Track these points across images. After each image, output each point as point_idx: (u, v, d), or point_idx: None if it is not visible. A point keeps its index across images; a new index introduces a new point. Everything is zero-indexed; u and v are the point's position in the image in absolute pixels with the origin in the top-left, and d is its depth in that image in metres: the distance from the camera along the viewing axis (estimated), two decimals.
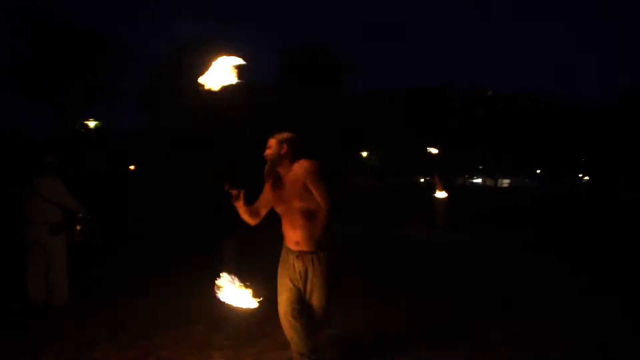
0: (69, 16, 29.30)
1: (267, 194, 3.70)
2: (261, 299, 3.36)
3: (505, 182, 68.41)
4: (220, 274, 3.34)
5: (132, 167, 43.10)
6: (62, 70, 29.72)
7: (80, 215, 5.83)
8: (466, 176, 61.78)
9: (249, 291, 3.36)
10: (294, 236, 3.58)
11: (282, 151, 3.59)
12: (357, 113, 43.70)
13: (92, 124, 32.30)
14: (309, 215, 3.51)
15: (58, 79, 29.82)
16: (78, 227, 5.84)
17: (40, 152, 5.98)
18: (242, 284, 3.36)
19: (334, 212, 3.54)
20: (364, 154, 49.37)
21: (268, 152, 3.61)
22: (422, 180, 57.72)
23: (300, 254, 3.57)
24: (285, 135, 3.63)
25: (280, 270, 3.69)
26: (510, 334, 4.91)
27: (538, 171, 64.67)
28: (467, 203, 22.33)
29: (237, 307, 3.39)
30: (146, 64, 42.20)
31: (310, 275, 3.57)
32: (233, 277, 3.36)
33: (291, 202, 3.54)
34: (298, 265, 3.58)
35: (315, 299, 3.59)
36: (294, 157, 3.61)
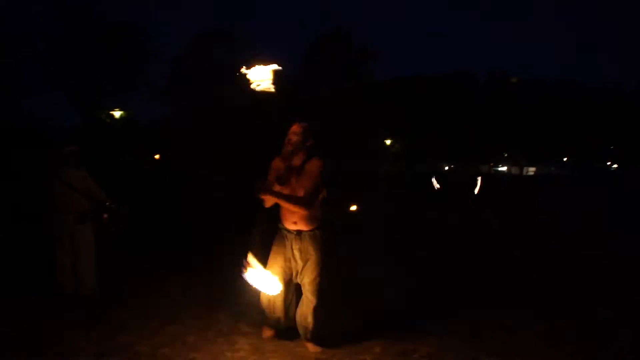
0: (92, 7, 29.55)
1: (272, 180, 4.00)
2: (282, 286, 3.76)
3: (531, 170, 67.47)
4: (248, 257, 3.63)
5: (157, 157, 43.50)
6: (85, 61, 30.11)
7: (107, 204, 5.95)
8: (491, 164, 61.14)
9: (276, 277, 3.74)
10: (292, 217, 3.96)
11: (308, 143, 3.95)
12: (379, 101, 43.50)
13: (117, 113, 32.69)
14: None
15: (82, 69, 30.22)
16: (105, 216, 5.96)
17: (63, 142, 6.10)
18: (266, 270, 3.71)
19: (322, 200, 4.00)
20: (387, 141, 49.15)
21: (294, 138, 3.91)
22: (445, 168, 57.30)
23: (298, 233, 3.97)
24: (314, 131, 3.96)
25: (274, 248, 4.09)
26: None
27: (565, 159, 63.71)
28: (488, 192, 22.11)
29: (259, 289, 3.80)
30: (169, 53, 42.52)
31: (306, 251, 3.96)
32: (258, 262, 3.66)
33: (296, 190, 3.91)
34: (296, 243, 3.98)
35: (310, 271, 3.95)
36: (311, 151, 3.97)
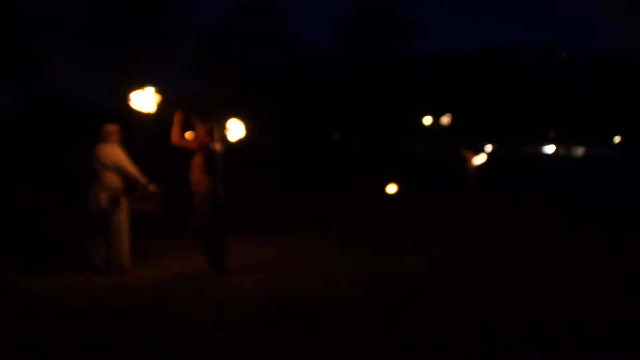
0: None
1: None
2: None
3: (579, 151, 65.77)
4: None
5: (188, 134, 43.92)
6: (118, 37, 30.58)
7: (141, 182, 6.18)
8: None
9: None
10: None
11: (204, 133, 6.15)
12: (418, 77, 43.00)
13: (149, 90, 33.04)
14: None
15: (115, 46, 30.70)
16: (138, 195, 6.20)
17: (101, 120, 6.35)
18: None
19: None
20: (427, 120, 48.48)
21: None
22: (489, 148, 56.37)
23: (197, 193, 6.06)
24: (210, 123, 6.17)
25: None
26: None
27: (617, 139, 61.80)
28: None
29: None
30: (201, 29, 42.89)
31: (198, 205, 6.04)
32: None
33: None
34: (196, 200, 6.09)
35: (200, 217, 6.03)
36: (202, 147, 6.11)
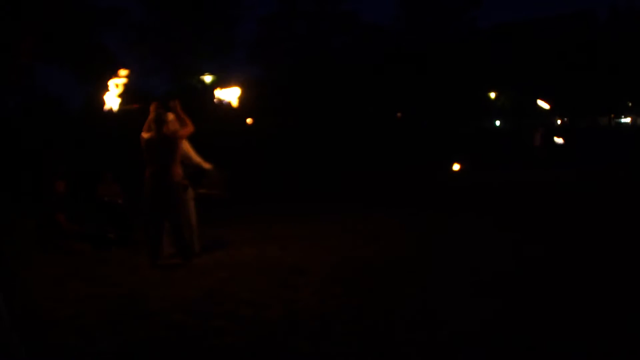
0: None
1: None
2: None
3: None
4: None
5: (249, 121, 44.56)
6: (176, 26, 31.18)
7: (206, 169, 6.24)
8: (612, 115, 57.19)
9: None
10: None
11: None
12: (482, 50, 41.88)
13: (208, 78, 33.53)
14: None
15: (173, 35, 31.32)
16: (204, 181, 6.26)
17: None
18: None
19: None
20: (492, 95, 47.11)
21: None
22: (558, 121, 54.54)
23: None
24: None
25: None
26: None
27: None
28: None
29: None
30: (258, 14, 43.14)
31: None
32: None
33: None
34: None
35: None
36: None
